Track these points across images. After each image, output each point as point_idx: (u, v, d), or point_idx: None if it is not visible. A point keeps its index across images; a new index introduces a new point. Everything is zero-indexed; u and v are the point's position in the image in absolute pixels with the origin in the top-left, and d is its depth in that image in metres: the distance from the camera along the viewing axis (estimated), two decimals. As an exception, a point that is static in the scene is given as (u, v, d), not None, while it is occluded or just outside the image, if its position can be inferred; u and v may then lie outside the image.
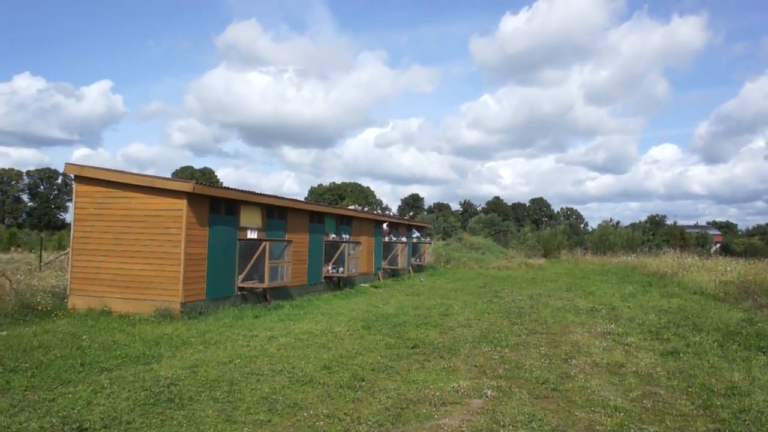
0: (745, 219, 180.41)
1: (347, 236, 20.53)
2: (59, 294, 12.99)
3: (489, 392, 6.70)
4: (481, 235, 47.59)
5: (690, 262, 27.67)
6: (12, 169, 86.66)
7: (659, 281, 23.40)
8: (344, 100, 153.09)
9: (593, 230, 63.40)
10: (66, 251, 19.18)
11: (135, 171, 12.91)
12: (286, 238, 15.62)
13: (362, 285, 20.86)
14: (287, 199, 16.40)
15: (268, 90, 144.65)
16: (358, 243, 20.58)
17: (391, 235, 26.02)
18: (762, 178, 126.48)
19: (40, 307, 11.58)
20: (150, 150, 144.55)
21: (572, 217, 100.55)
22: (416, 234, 28.88)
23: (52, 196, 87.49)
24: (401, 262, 25.77)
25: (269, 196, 15.14)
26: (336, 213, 20.20)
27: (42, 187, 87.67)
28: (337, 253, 18.97)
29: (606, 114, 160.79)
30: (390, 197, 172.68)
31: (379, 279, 23.62)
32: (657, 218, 75.39)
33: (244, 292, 14.01)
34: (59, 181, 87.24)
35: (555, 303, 15.64)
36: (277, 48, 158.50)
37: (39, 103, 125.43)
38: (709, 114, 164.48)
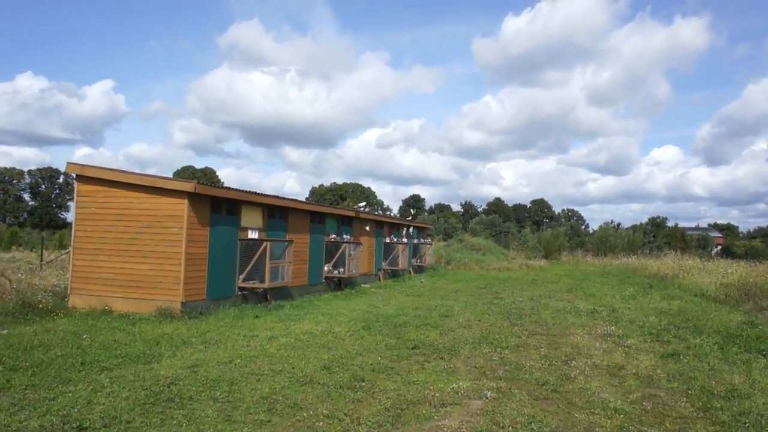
0: (746, 221, 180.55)
1: (348, 237, 20.54)
2: (60, 293, 13.01)
3: (489, 393, 6.70)
4: (481, 236, 47.57)
5: (691, 264, 27.65)
6: (14, 168, 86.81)
7: (660, 283, 23.38)
8: (346, 100, 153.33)
9: (594, 232, 63.41)
10: (67, 250, 19.21)
11: (136, 171, 12.97)
12: (287, 239, 15.63)
13: (363, 285, 20.87)
14: (288, 199, 16.41)
15: (270, 90, 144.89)
16: (358, 243, 20.59)
17: (392, 236, 26.01)
18: (764, 181, 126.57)
19: (40, 306, 11.59)
20: (151, 150, 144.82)
21: (573, 218, 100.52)
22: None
23: (53, 196, 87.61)
24: (402, 262, 25.77)
25: (270, 196, 15.16)
26: (337, 213, 20.20)
27: (43, 186, 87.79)
28: (338, 253, 18.98)
29: (608, 115, 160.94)
30: (391, 198, 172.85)
31: (379, 280, 23.62)
32: (658, 220, 75.32)
33: (245, 292, 14.02)
34: (61, 180, 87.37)
35: (555, 304, 15.63)
36: (279, 48, 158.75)
37: (41, 102, 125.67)
38: (712, 116, 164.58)
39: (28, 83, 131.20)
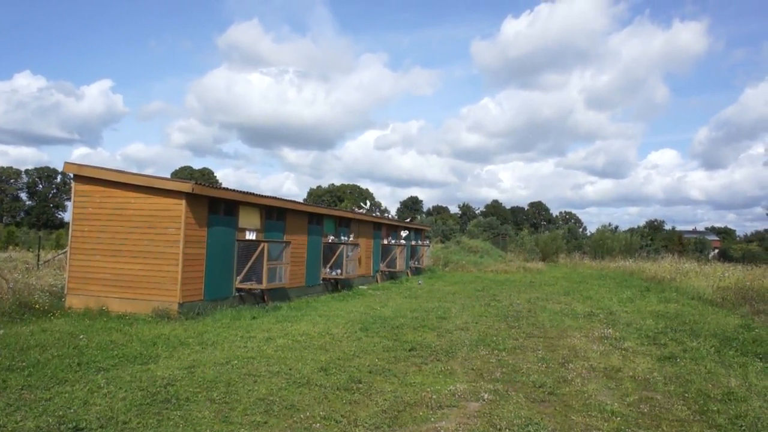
0: (743, 225, 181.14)
1: (346, 238, 20.53)
2: (57, 293, 12.98)
3: (486, 395, 6.70)
4: (479, 238, 47.60)
5: (688, 268, 27.69)
6: (11, 168, 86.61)
7: (657, 286, 23.42)
8: (345, 101, 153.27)
9: (592, 235, 63.47)
10: (64, 250, 19.17)
11: (134, 171, 12.94)
12: (285, 240, 15.63)
13: (360, 287, 20.86)
14: (286, 200, 16.41)
15: (269, 91, 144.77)
16: (356, 245, 20.58)
17: (390, 238, 26.02)
18: (761, 185, 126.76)
19: (37, 306, 11.56)
20: (149, 150, 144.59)
21: (571, 221, 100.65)
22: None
23: (50, 195, 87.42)
24: (399, 264, 25.77)
25: (268, 197, 15.15)
26: (335, 215, 20.20)
27: (41, 185, 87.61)
28: (336, 254, 18.97)
29: (606, 119, 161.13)
30: (389, 199, 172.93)
31: (377, 281, 23.62)
32: (655, 223, 75.52)
33: (242, 293, 14.01)
34: (58, 180, 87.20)
35: (553, 307, 15.65)
36: (278, 49, 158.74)
37: (39, 101, 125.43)
38: (709, 120, 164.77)
39: (27, 82, 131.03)
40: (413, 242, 29.45)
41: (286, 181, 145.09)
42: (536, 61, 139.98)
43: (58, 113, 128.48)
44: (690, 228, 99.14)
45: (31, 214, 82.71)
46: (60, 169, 73.35)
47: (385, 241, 25.28)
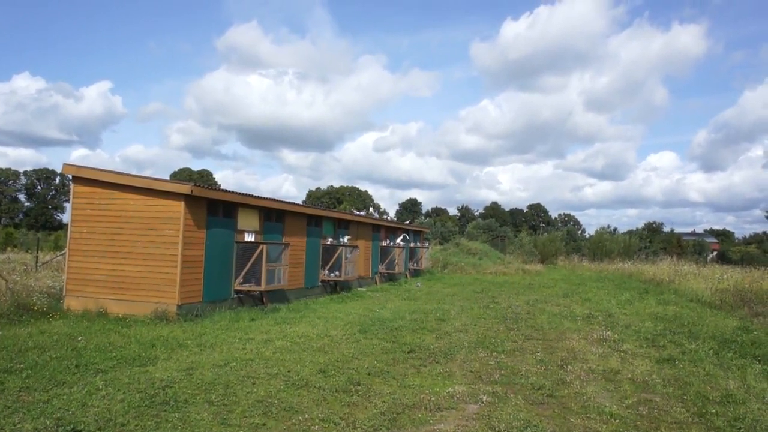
0: (742, 227, 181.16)
1: (345, 240, 20.51)
2: (55, 295, 12.95)
3: (485, 398, 6.70)
4: (478, 240, 47.59)
5: (686, 270, 27.71)
6: (9, 169, 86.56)
7: (656, 288, 23.43)
8: (344, 103, 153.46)
9: (590, 237, 63.49)
10: (62, 252, 19.14)
11: (133, 172, 12.92)
12: (284, 242, 15.62)
13: (359, 289, 20.84)
14: (285, 202, 16.41)
15: (268, 93, 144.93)
16: (355, 247, 20.58)
17: (389, 240, 26.02)
18: (760, 187, 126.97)
19: (35, 308, 11.54)
20: (148, 151, 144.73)
21: (570, 223, 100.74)
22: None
23: (49, 197, 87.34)
24: (398, 266, 25.76)
25: (267, 199, 15.14)
26: (334, 216, 20.19)
27: (39, 187, 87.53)
28: (335, 256, 18.96)
29: (605, 121, 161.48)
30: (388, 201, 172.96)
31: (376, 283, 23.61)
32: (654, 225, 75.60)
33: (241, 295, 14.00)
34: (57, 181, 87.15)
35: (551, 309, 15.65)
36: (277, 51, 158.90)
37: (38, 103, 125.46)
38: (708, 122, 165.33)
39: (26, 84, 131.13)
40: (412, 244, 29.45)
41: (285, 182, 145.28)
42: (535, 63, 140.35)
43: (57, 115, 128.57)
44: (689, 230, 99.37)
45: (30, 216, 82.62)
46: (59, 170, 73.34)
47: (384, 243, 25.28)
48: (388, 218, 79.08)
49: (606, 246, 49.74)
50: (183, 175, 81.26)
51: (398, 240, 27.09)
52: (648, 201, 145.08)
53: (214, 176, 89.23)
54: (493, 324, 12.61)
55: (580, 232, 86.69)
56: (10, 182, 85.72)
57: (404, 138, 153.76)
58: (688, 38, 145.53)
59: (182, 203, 11.94)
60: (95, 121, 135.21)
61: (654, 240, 65.82)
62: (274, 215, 15.79)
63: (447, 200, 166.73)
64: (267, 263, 13.77)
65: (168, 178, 45.69)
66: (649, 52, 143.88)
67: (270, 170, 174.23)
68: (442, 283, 25.71)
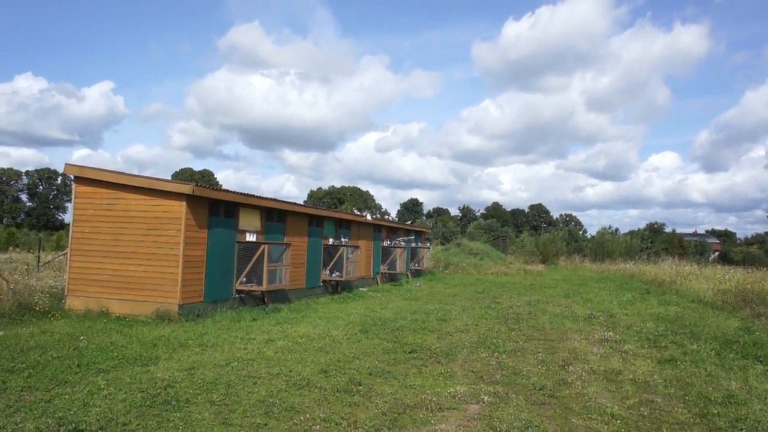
0: (744, 228, 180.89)
1: (346, 240, 20.52)
2: (57, 294, 12.97)
3: (486, 398, 6.69)
4: (480, 240, 47.57)
5: (688, 270, 27.67)
6: (11, 169, 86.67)
7: (657, 289, 23.40)
8: (345, 103, 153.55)
9: (592, 237, 63.43)
10: (64, 251, 19.16)
11: (135, 172, 12.93)
12: (285, 242, 15.62)
13: (360, 289, 20.85)
14: (286, 202, 16.42)
15: (270, 93, 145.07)
16: (356, 247, 20.58)
17: (390, 240, 26.01)
18: (761, 187, 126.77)
19: (37, 308, 11.56)
20: (150, 151, 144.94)
21: (571, 223, 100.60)
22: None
23: (51, 197, 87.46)
24: (400, 266, 25.76)
25: (268, 199, 15.15)
26: (335, 217, 20.20)
27: (41, 187, 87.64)
28: (336, 256, 18.96)
29: (607, 121, 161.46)
30: (389, 202, 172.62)
31: (377, 283, 23.61)
32: (656, 226, 75.54)
33: (242, 295, 14.00)
34: (58, 181, 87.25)
35: (553, 309, 15.63)
36: (279, 51, 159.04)
37: (40, 103, 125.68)
38: (710, 122, 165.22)
39: (28, 84, 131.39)
40: (413, 244, 29.44)
41: (287, 182, 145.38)
42: (537, 64, 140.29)
43: (59, 115, 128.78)
44: (690, 231, 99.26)
45: (32, 216, 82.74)
46: (60, 170, 73.39)
47: (386, 243, 25.28)
48: (390, 218, 79.09)
49: (607, 246, 49.69)
50: (184, 175, 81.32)
51: (403, 243, 27.08)
52: (649, 201, 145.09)
53: (215, 176, 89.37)
54: (494, 324, 12.60)
55: (581, 232, 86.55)
56: (12, 182, 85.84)
57: (406, 138, 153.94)
58: (690, 38, 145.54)
59: (184, 203, 11.95)
60: (97, 121, 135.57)
61: (655, 240, 65.75)
62: (276, 215, 15.80)
63: (448, 200, 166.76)
64: (268, 263, 13.77)
65: (169, 178, 45.73)
66: (651, 52, 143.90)
67: (271, 170, 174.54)
68: (443, 283, 25.70)
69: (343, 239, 20.26)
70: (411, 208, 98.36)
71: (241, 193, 13.83)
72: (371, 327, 11.50)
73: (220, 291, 13.16)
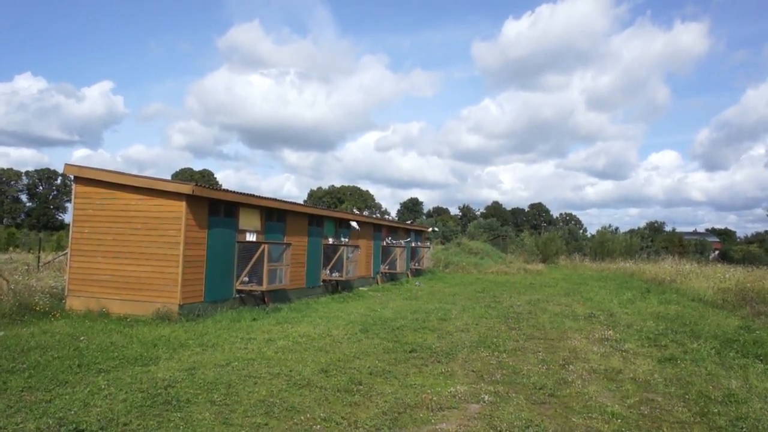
0: (744, 226, 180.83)
1: (346, 240, 20.53)
2: (57, 295, 12.98)
3: (486, 397, 6.70)
4: (480, 240, 47.57)
5: (688, 269, 27.68)
6: (11, 169, 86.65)
7: (657, 288, 23.40)
8: (345, 103, 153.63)
9: (592, 236, 63.45)
10: (64, 252, 19.16)
11: (134, 172, 12.93)
12: (285, 241, 15.62)
13: (361, 289, 20.85)
14: (286, 201, 16.41)
15: (269, 92, 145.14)
16: (356, 247, 20.58)
17: (390, 239, 26.01)
18: (762, 186, 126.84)
19: (38, 308, 11.56)
20: (150, 151, 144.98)
21: (571, 222, 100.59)
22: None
23: (51, 197, 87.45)
24: (400, 266, 25.76)
25: (268, 198, 15.15)
26: (335, 216, 20.19)
27: (41, 187, 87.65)
28: (336, 256, 18.96)
29: (607, 120, 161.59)
30: (389, 201, 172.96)
31: (377, 283, 23.61)
32: (656, 225, 75.54)
33: (243, 295, 14.00)
34: (58, 181, 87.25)
35: (553, 308, 15.64)
36: (278, 50, 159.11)
37: (39, 103, 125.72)
38: (710, 121, 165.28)
39: (27, 84, 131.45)
40: (414, 244, 29.45)
41: (287, 182, 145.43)
42: (537, 63, 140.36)
43: (59, 115, 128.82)
44: (690, 229, 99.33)
45: (32, 216, 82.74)
46: (60, 170, 73.38)
47: (385, 243, 25.27)
48: (390, 218, 79.08)
49: (608, 245, 49.70)
50: (184, 175, 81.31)
51: (403, 243, 27.02)
52: (650, 200, 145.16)
53: (215, 176, 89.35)
54: (494, 323, 12.60)
55: (581, 231, 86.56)
56: (12, 182, 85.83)
57: (406, 137, 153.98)
58: (690, 37, 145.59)
59: (184, 203, 11.95)
60: (97, 121, 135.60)
61: (656, 239, 65.74)
62: (276, 215, 15.80)
63: (448, 200, 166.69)
64: (268, 263, 13.78)
65: (169, 178, 45.72)
66: (651, 50, 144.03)
67: (271, 170, 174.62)
68: (443, 282, 25.70)
69: (343, 239, 20.26)
70: (411, 207, 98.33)
71: (241, 193, 13.83)
72: (371, 326, 11.50)
73: (221, 291, 13.16)
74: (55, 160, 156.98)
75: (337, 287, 19.47)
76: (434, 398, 6.59)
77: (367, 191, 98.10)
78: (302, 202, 24.58)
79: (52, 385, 6.64)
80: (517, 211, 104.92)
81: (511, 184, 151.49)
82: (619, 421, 6.02)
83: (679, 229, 78.00)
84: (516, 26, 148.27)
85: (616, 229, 60.62)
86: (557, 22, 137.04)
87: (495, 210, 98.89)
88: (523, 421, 5.83)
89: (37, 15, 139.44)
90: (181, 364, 7.79)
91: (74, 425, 5.28)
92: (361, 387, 6.96)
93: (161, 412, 5.77)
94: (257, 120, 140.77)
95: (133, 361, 7.96)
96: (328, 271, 18.74)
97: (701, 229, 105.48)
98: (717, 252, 69.18)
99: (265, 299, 14.70)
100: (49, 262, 20.09)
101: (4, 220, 79.95)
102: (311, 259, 17.75)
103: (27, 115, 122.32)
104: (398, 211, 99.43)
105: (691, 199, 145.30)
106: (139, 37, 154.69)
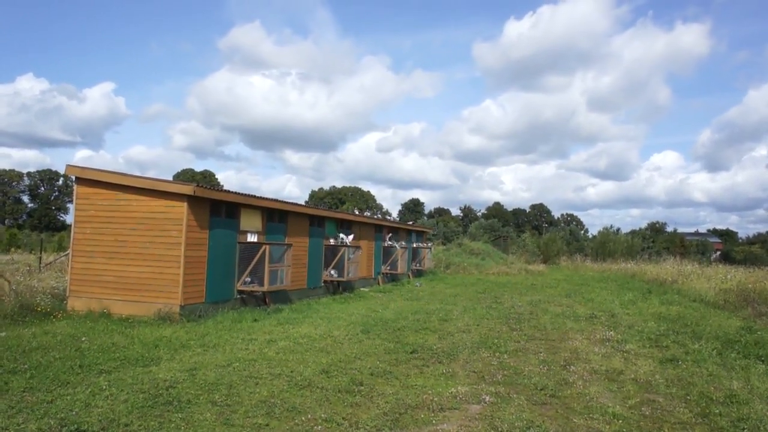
0: (745, 227, 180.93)
1: (347, 240, 20.51)
2: (59, 295, 12.99)
3: (487, 398, 6.69)
4: (481, 240, 47.55)
5: (690, 270, 27.65)
6: (13, 170, 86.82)
7: (659, 288, 23.38)
8: (346, 104, 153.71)
9: (593, 237, 63.39)
10: (66, 252, 19.19)
11: (136, 173, 12.95)
12: (286, 242, 15.63)
13: (362, 289, 20.85)
14: (288, 202, 16.42)
15: (271, 93, 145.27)
16: (357, 247, 20.58)
17: (391, 240, 26.00)
18: (763, 186, 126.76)
19: (39, 309, 11.58)
20: (151, 152, 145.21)
21: (573, 223, 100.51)
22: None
23: (52, 198, 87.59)
24: (401, 266, 25.76)
25: (270, 199, 15.16)
26: (336, 217, 20.20)
27: (42, 188, 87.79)
28: (337, 257, 18.97)
29: (608, 120, 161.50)
30: (390, 202, 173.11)
31: (378, 284, 23.61)
32: (657, 225, 75.46)
33: (244, 296, 14.01)
34: (60, 182, 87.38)
35: (554, 309, 15.63)
36: (280, 51, 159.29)
37: (41, 104, 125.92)
38: (712, 121, 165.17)
39: (29, 85, 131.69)
40: (415, 244, 29.45)
41: (288, 183, 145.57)
42: (538, 63, 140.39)
43: (61, 116, 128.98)
44: (692, 230, 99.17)
45: (33, 217, 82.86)
46: (62, 171, 73.44)
47: (387, 244, 25.27)
48: (391, 218, 79.10)
49: (609, 246, 49.67)
50: (186, 175, 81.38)
51: (401, 245, 26.99)
52: (651, 201, 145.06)
53: (216, 177, 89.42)
54: (495, 324, 12.60)
55: (583, 232, 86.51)
56: (14, 183, 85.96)
57: (407, 138, 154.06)
58: (691, 37, 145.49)
59: (185, 204, 11.96)
60: (98, 122, 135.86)
61: (657, 240, 65.69)
62: (277, 216, 15.81)
63: (450, 200, 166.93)
64: (270, 264, 13.79)
65: (171, 178, 45.79)
66: (653, 51, 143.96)
67: (273, 171, 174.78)
68: (444, 283, 25.70)
69: (343, 240, 20.24)
70: (412, 208, 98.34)
71: (242, 194, 13.85)
72: (373, 327, 11.50)
73: (222, 292, 13.17)
74: (56, 161, 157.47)
75: (338, 288, 19.47)
76: (435, 399, 6.59)
77: (369, 192, 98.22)
78: (303, 203, 24.57)
79: (53, 385, 6.65)
80: (518, 212, 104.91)
81: (512, 184, 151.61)
82: (621, 422, 6.02)
83: (680, 230, 78.12)
84: (517, 27, 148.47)
85: (618, 229, 60.57)
86: (558, 23, 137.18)
87: (496, 211, 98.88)
88: (524, 422, 5.83)
89: (39, 15, 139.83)
90: (182, 365, 7.80)
91: (75, 426, 5.29)
92: (362, 388, 6.97)
93: (162, 413, 5.78)
94: (258, 121, 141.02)
95: (135, 361, 7.97)
96: (329, 272, 18.74)
97: (703, 229, 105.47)
98: (718, 253, 69.11)
99: (267, 300, 14.70)
100: (50, 262, 20.11)
101: (6, 221, 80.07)
102: (312, 259, 17.76)
103: (29, 116, 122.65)
104: (399, 211, 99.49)
105: (692, 200, 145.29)
106: (140, 38, 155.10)
